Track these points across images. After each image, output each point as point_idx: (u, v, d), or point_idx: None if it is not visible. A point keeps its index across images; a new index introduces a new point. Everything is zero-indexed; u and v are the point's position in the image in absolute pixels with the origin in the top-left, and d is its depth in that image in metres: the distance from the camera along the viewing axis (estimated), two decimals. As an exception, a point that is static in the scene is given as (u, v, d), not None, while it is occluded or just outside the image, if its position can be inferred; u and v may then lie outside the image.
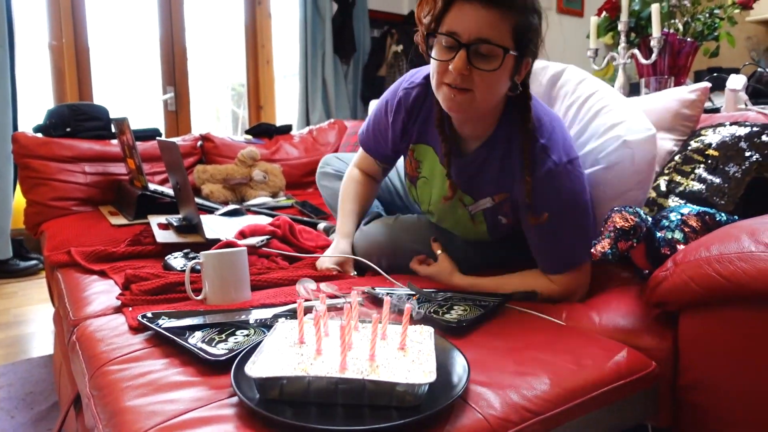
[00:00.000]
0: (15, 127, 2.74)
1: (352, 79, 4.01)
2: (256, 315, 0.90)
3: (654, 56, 1.82)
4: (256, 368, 0.63)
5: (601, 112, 1.17)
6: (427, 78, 1.13)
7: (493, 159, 1.08)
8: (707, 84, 1.29)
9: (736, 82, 1.46)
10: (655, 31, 1.79)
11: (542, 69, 1.34)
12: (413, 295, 1.02)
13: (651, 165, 1.12)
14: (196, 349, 0.75)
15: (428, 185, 1.19)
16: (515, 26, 0.93)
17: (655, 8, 1.79)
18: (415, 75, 1.17)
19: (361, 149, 1.34)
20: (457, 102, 0.97)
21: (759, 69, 1.65)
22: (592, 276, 1.10)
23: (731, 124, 1.19)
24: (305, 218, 1.92)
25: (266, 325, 0.86)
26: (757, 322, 0.77)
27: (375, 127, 1.26)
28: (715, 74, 1.89)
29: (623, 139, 1.10)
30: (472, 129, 1.08)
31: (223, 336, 0.82)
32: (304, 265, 1.27)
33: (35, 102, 3.09)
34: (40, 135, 2.15)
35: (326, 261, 1.23)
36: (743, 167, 1.09)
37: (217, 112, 4.16)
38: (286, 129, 2.75)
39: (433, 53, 0.98)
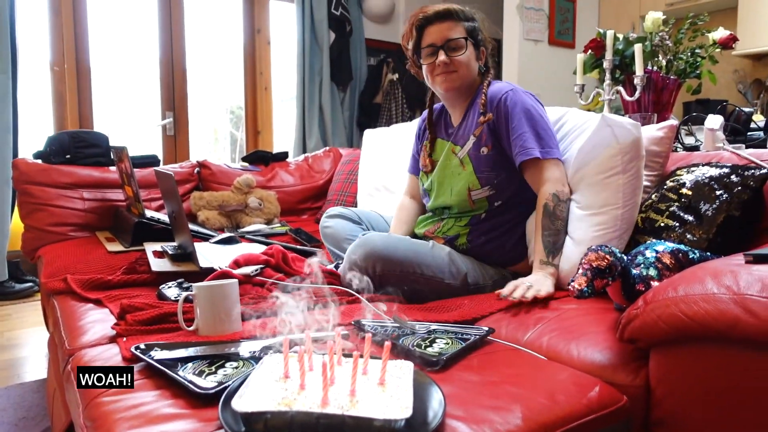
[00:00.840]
0: (15, 153, 2.79)
1: (349, 106, 4.10)
2: (245, 347, 0.94)
3: (637, 93, 1.89)
4: (241, 402, 0.67)
5: (580, 122, 1.44)
6: (424, 113, 1.67)
7: (469, 114, 1.49)
8: (674, 122, 1.35)
9: (714, 121, 1.52)
10: (638, 69, 1.86)
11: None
12: (398, 327, 1.06)
13: (636, 147, 1.24)
14: (186, 382, 0.79)
15: (436, 160, 1.55)
16: (466, 27, 1.45)
17: (638, 48, 1.86)
18: (423, 117, 1.68)
19: (408, 178, 1.75)
20: (450, 80, 1.44)
21: (736, 108, 1.72)
22: (580, 304, 1.17)
23: (704, 165, 1.24)
24: (299, 246, 1.97)
25: (255, 358, 0.90)
26: (719, 360, 0.81)
27: (412, 158, 1.73)
28: (694, 114, 1.96)
29: (602, 116, 1.30)
30: (459, 105, 1.52)
31: (213, 368, 0.85)
32: (298, 294, 1.31)
33: (36, 127, 3.14)
34: (39, 161, 2.20)
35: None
36: (714, 206, 1.15)
37: (215, 134, 4.23)
38: (283, 156, 2.81)
39: (423, 62, 1.47)
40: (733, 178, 1.16)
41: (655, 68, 1.99)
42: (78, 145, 2.23)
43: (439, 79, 1.45)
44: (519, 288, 1.21)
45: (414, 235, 1.60)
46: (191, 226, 2.09)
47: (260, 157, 2.74)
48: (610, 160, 1.25)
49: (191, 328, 1.04)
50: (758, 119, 2.33)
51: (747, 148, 1.61)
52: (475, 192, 1.43)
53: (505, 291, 1.22)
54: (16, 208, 2.47)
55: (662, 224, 1.22)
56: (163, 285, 1.29)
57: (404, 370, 0.78)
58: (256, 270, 1.36)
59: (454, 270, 1.37)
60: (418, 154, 1.66)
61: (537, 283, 1.23)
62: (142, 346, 0.92)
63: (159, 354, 0.89)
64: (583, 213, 1.30)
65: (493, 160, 1.42)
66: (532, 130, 1.36)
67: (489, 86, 1.46)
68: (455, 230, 1.47)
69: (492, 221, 1.43)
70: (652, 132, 1.39)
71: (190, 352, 0.91)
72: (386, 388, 0.72)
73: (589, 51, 2.08)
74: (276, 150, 3.94)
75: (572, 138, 1.41)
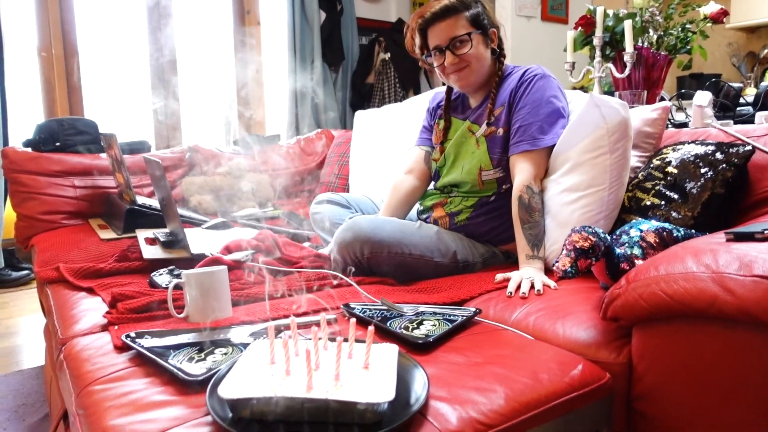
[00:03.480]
0: (5, 142, 2.77)
1: (341, 86, 4.07)
2: (234, 333, 0.95)
3: (627, 70, 1.88)
4: (228, 388, 0.68)
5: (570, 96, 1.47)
6: (440, 93, 1.67)
7: (489, 95, 1.47)
8: (668, 104, 1.35)
9: (702, 98, 1.51)
10: (628, 46, 1.85)
11: None
12: (386, 310, 1.07)
13: (624, 127, 1.25)
14: (175, 369, 0.80)
15: (448, 143, 1.55)
16: (468, 18, 1.40)
17: (627, 24, 1.85)
18: (437, 94, 1.69)
19: (410, 151, 1.71)
20: (463, 77, 1.43)
21: (725, 83, 1.71)
22: (568, 283, 1.20)
23: (690, 143, 1.25)
24: (291, 230, 1.97)
25: (244, 344, 0.91)
26: (698, 338, 0.82)
27: (423, 130, 1.69)
28: (683, 91, 1.95)
29: (590, 96, 1.31)
30: (480, 90, 1.50)
31: (203, 355, 0.87)
32: (288, 278, 1.32)
33: (25, 115, 3.12)
34: (29, 150, 2.19)
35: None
36: (699, 184, 1.15)
37: (207, 117, 4.20)
38: (275, 139, 2.80)
39: (435, 64, 1.46)
40: (718, 155, 1.17)
41: (645, 44, 1.98)
42: (67, 133, 2.23)
43: (452, 77, 1.44)
44: (523, 283, 1.19)
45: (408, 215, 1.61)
46: (183, 212, 2.09)
47: (252, 141, 2.73)
48: (598, 140, 1.25)
49: (181, 315, 1.05)
50: (750, 92, 2.32)
51: (735, 123, 1.62)
52: (486, 173, 1.44)
53: (509, 289, 1.19)
54: (8, 198, 2.47)
55: (648, 203, 1.23)
56: (155, 272, 1.30)
57: (389, 353, 0.80)
58: (247, 256, 1.37)
59: (442, 248, 1.39)
60: (431, 127, 1.65)
61: (529, 274, 1.23)
62: (133, 334, 0.94)
63: (149, 342, 0.91)
64: (569, 194, 1.30)
65: (506, 142, 1.42)
66: (537, 124, 1.36)
67: (511, 71, 1.45)
68: (460, 207, 1.47)
69: (497, 203, 1.44)
70: (646, 113, 1.39)
71: (179, 339, 0.92)
72: (371, 372, 0.74)
73: (579, 28, 2.07)
74: (268, 132, 3.94)
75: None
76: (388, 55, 4.08)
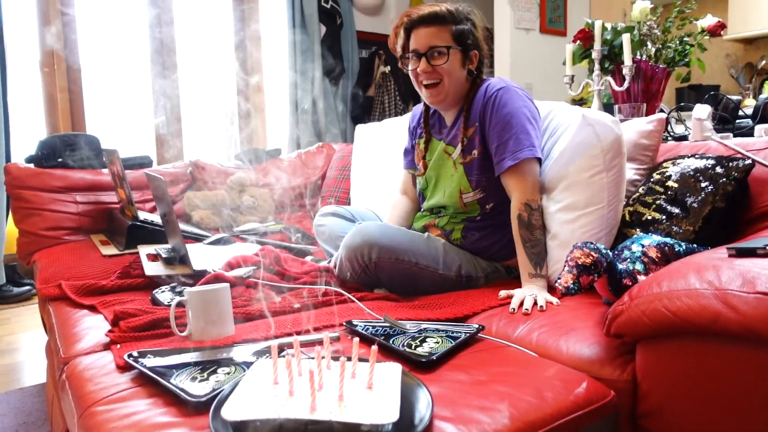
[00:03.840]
0: (8, 158, 2.79)
1: (342, 99, 4.09)
2: (237, 352, 0.95)
3: (626, 83, 1.89)
4: (231, 410, 0.68)
5: (565, 118, 1.43)
6: (418, 108, 1.63)
7: (461, 114, 1.45)
8: (663, 115, 1.36)
9: (701, 111, 1.52)
10: (627, 59, 1.86)
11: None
12: (389, 327, 1.07)
13: (618, 144, 1.25)
14: (178, 390, 0.80)
15: (428, 163, 1.55)
16: (453, 32, 1.39)
17: (626, 38, 1.86)
18: (415, 110, 1.67)
19: (403, 174, 1.73)
20: (434, 95, 1.43)
21: (724, 96, 1.72)
22: (570, 299, 1.19)
23: (690, 157, 1.25)
24: (293, 244, 1.98)
25: (247, 363, 0.91)
26: (702, 355, 0.82)
27: (405, 153, 1.69)
28: (683, 104, 1.96)
29: (582, 114, 1.30)
30: (452, 109, 1.49)
31: (205, 375, 0.87)
32: (290, 294, 1.32)
33: (27, 131, 3.13)
34: (32, 165, 2.20)
35: None
36: (700, 198, 1.16)
37: (209, 131, 4.21)
38: (275, 153, 2.81)
39: (410, 67, 1.44)
40: (718, 169, 1.17)
41: (643, 57, 2.00)
42: (69, 149, 2.23)
43: (425, 92, 1.43)
44: (525, 300, 1.18)
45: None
46: (185, 227, 2.10)
47: (253, 155, 2.74)
48: (593, 159, 1.25)
49: (184, 334, 1.05)
50: (749, 103, 2.33)
51: (735, 136, 1.62)
52: (466, 195, 1.44)
53: (511, 305, 1.18)
54: (10, 213, 2.48)
55: (649, 217, 1.23)
56: (157, 289, 1.30)
57: (392, 372, 0.79)
58: (249, 272, 1.37)
59: (448, 261, 1.39)
60: (412, 148, 1.65)
61: (533, 291, 1.22)
62: (135, 353, 0.94)
63: (151, 361, 0.91)
64: (568, 213, 1.30)
65: (483, 163, 1.41)
66: (515, 135, 1.34)
67: (477, 91, 1.43)
68: (450, 226, 1.48)
69: (485, 222, 1.44)
70: (642, 125, 1.40)
71: (182, 358, 0.92)
72: (374, 392, 0.73)
73: (578, 41, 2.08)
74: (269, 146, 3.95)
75: (559, 134, 1.41)
76: (388, 68, 4.10)
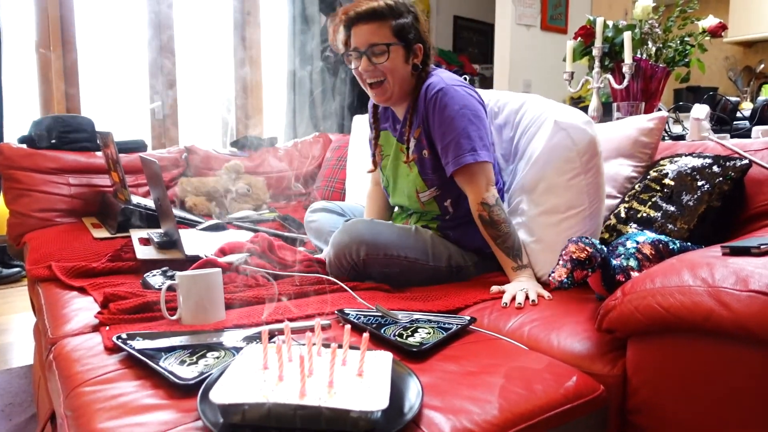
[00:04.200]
0: (1, 138, 2.75)
1: (340, 90, 4.07)
2: (227, 336, 0.94)
3: (626, 82, 1.89)
4: (219, 393, 0.67)
5: (537, 114, 1.40)
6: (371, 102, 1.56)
7: (408, 113, 1.41)
8: (664, 113, 1.35)
9: (700, 111, 1.52)
10: (627, 57, 1.85)
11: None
12: (381, 316, 1.06)
13: (593, 146, 1.24)
14: (166, 372, 0.79)
15: (386, 159, 1.51)
16: (392, 27, 1.32)
17: (627, 36, 1.85)
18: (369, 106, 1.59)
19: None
20: (379, 94, 1.37)
21: (723, 97, 1.72)
22: (563, 294, 1.18)
23: (687, 155, 1.25)
24: (287, 233, 1.97)
25: (237, 348, 0.90)
26: (693, 352, 0.82)
27: (369, 142, 1.61)
28: (681, 103, 1.96)
29: (554, 120, 1.28)
30: (400, 104, 1.44)
31: (194, 358, 0.86)
32: (283, 282, 1.31)
33: (21, 111, 3.10)
34: (25, 146, 2.17)
35: None
36: (696, 196, 1.15)
37: (206, 118, 4.18)
38: (272, 141, 2.79)
39: (351, 66, 1.38)
40: (715, 168, 1.17)
41: (644, 56, 1.99)
42: (63, 130, 2.21)
43: (370, 91, 1.38)
44: (517, 295, 1.17)
45: None
46: (179, 213, 2.08)
47: (249, 143, 2.73)
48: (569, 162, 1.25)
49: (174, 317, 1.04)
50: (746, 106, 2.34)
51: (732, 137, 1.62)
52: (423, 194, 1.42)
53: (503, 300, 1.17)
54: (1, 194, 2.45)
55: (645, 214, 1.23)
56: (148, 273, 1.29)
57: (383, 360, 0.79)
58: (242, 258, 1.36)
59: (437, 252, 1.38)
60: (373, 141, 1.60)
61: (525, 285, 1.22)
62: (124, 335, 0.93)
63: (140, 344, 0.90)
64: (550, 216, 1.29)
65: (433, 163, 1.38)
66: (456, 139, 1.30)
67: (423, 88, 1.36)
68: (423, 222, 1.47)
69: (456, 219, 1.43)
70: (642, 122, 1.39)
71: (171, 341, 0.91)
72: (364, 379, 0.73)
73: (579, 38, 2.07)
74: (266, 134, 3.92)
75: (533, 132, 1.38)
76: (387, 61, 4.08)
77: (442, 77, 1.36)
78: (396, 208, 1.62)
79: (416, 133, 1.39)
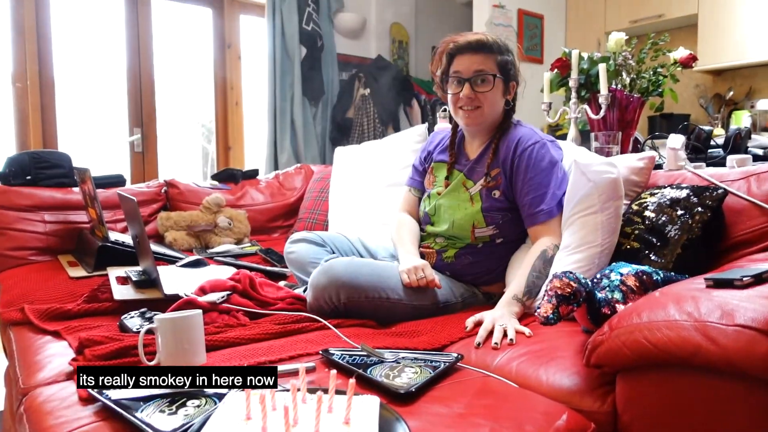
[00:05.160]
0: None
1: (321, 120, 4.08)
2: (208, 382, 0.91)
3: (602, 112, 1.92)
4: (200, 449, 0.65)
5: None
6: (440, 133, 1.64)
7: (488, 150, 1.46)
8: (654, 153, 1.38)
9: (675, 141, 1.55)
10: (603, 88, 1.89)
11: None
12: (366, 356, 1.04)
13: (613, 187, 1.25)
14: (144, 425, 0.76)
15: (437, 188, 1.54)
16: (498, 61, 1.42)
17: (602, 67, 1.90)
18: (434, 135, 1.67)
19: (404, 192, 1.68)
20: (472, 118, 1.43)
21: (696, 126, 1.76)
22: (550, 326, 1.15)
23: (666, 187, 1.27)
24: (269, 267, 1.94)
25: (219, 395, 0.87)
26: (682, 387, 0.81)
27: (414, 170, 1.68)
28: (657, 133, 2.01)
29: (574, 162, 1.31)
30: (480, 137, 1.50)
31: (174, 407, 0.83)
32: (265, 321, 1.28)
33: (-4, 146, 3.05)
34: (-1, 183, 2.12)
35: (408, 274, 1.34)
36: (677, 227, 1.17)
37: (186, 148, 4.16)
38: (253, 174, 2.77)
39: (449, 91, 1.45)
40: (693, 199, 1.19)
41: (619, 87, 2.04)
42: (39, 166, 2.17)
43: (461, 113, 1.44)
44: (495, 330, 1.15)
45: None
46: (158, 248, 2.04)
47: (230, 175, 2.71)
48: (587, 199, 1.26)
49: (152, 363, 1.00)
50: (718, 132, 2.40)
51: (708, 165, 1.65)
52: (479, 230, 1.43)
53: (477, 340, 1.14)
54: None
55: (629, 247, 1.24)
56: (125, 315, 1.25)
57: (370, 406, 0.77)
58: (223, 297, 1.33)
59: (421, 291, 1.36)
60: (424, 171, 1.63)
61: (503, 319, 1.19)
62: (100, 384, 0.89)
63: (117, 393, 0.86)
64: (561, 252, 1.31)
65: (503, 204, 1.42)
66: (549, 192, 1.36)
67: (512, 128, 1.46)
68: (448, 247, 1.47)
69: (487, 250, 1.44)
70: (633, 162, 1.43)
71: (150, 390, 0.88)
72: (351, 427, 0.71)
73: (555, 70, 2.12)
74: (247, 166, 3.91)
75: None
76: (367, 91, 4.12)
77: (532, 129, 1.46)
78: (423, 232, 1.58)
79: (494, 173, 1.43)
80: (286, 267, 1.91)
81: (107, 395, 0.85)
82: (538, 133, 1.44)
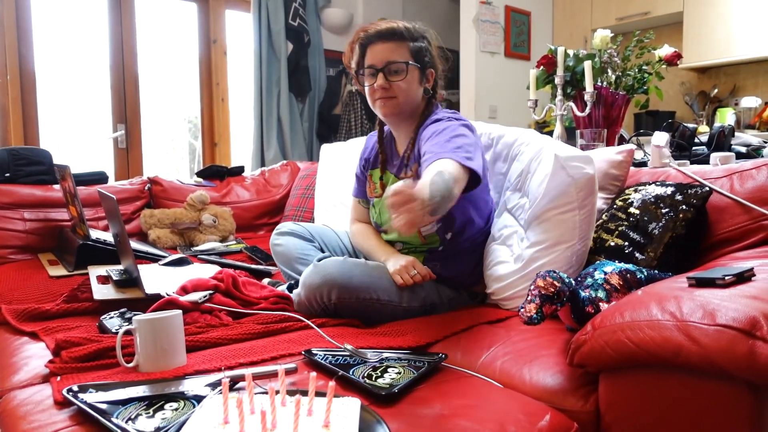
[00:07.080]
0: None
1: (308, 117, 4.05)
2: (188, 384, 0.90)
3: (588, 109, 1.92)
4: (176, 455, 0.63)
5: (537, 149, 1.38)
6: (373, 136, 1.57)
7: (411, 145, 1.40)
8: (632, 146, 1.37)
9: (660, 138, 1.55)
10: (588, 86, 1.89)
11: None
12: (349, 356, 1.03)
13: (591, 183, 1.23)
14: (119, 430, 0.74)
15: (379, 198, 1.49)
16: (410, 49, 1.36)
17: (587, 65, 1.90)
18: (368, 140, 1.60)
19: (353, 202, 1.66)
20: (389, 107, 1.37)
21: (681, 124, 1.77)
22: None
23: (651, 184, 1.27)
24: (254, 265, 1.92)
25: (198, 397, 0.85)
26: (665, 386, 0.81)
27: (356, 180, 1.63)
28: (641, 131, 2.01)
29: (555, 156, 1.25)
30: (404, 130, 1.43)
31: (151, 411, 0.81)
32: (248, 320, 1.27)
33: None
34: (-24, 181, 2.08)
35: (401, 275, 1.33)
36: (661, 224, 1.17)
37: (172, 144, 4.11)
38: (238, 170, 2.75)
39: (365, 84, 1.39)
40: (678, 197, 1.19)
41: (604, 84, 2.04)
42: (18, 163, 2.13)
43: (378, 103, 1.38)
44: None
45: None
46: (141, 246, 2.01)
47: (215, 172, 2.68)
48: (565, 195, 1.22)
49: (131, 365, 0.99)
50: (703, 130, 2.41)
51: (692, 163, 1.66)
52: (424, 228, 1.37)
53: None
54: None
55: (612, 243, 1.24)
56: (105, 315, 1.23)
57: (351, 408, 0.76)
58: (205, 296, 1.31)
59: (411, 293, 1.35)
60: (364, 176, 1.58)
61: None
62: (75, 387, 0.87)
63: (93, 396, 0.84)
64: (537, 249, 1.26)
65: None
66: (451, 145, 1.18)
67: (431, 116, 1.36)
68: (410, 254, 1.43)
69: (448, 251, 1.41)
70: (611, 155, 1.41)
71: (127, 392, 0.86)
72: (331, 430, 0.70)
73: (542, 67, 2.11)
74: (234, 162, 3.87)
75: (529, 169, 1.36)
76: (354, 87, 4.09)
77: (453, 113, 1.38)
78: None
79: (414, 167, 1.37)
80: (272, 265, 1.90)
81: (83, 399, 0.83)
82: (451, 115, 1.35)
